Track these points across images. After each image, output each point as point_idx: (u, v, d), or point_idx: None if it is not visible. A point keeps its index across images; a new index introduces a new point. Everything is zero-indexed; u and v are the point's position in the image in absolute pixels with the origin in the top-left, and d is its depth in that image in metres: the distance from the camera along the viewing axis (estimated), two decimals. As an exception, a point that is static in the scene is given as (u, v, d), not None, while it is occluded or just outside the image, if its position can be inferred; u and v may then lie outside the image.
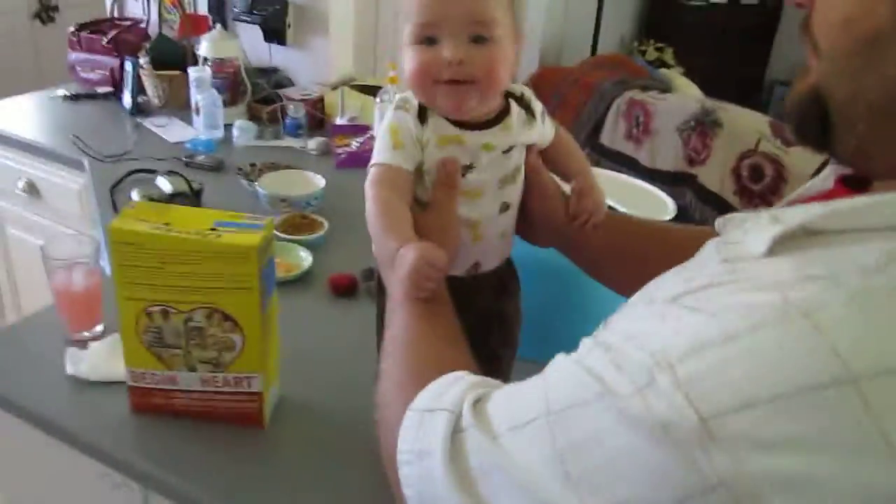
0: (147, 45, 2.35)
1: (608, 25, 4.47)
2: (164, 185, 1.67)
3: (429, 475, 0.58)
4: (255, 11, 2.23)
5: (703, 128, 3.06)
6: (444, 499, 0.56)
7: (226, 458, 1.05)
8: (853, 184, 0.59)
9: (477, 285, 0.90)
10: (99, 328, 1.28)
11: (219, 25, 2.20)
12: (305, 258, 1.52)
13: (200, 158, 1.97)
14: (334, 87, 2.28)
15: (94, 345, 1.23)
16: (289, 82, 2.36)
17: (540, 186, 0.92)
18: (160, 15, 2.53)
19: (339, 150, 2.05)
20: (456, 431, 0.58)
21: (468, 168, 0.86)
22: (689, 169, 3.13)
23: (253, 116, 2.24)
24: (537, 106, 0.91)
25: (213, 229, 1.00)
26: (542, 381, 0.56)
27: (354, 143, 2.06)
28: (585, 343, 0.56)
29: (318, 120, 2.23)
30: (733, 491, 0.42)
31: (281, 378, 1.15)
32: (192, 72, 2.10)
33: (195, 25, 2.34)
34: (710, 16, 4.97)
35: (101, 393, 1.15)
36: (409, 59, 0.83)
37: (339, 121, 2.14)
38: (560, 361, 0.57)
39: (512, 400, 0.58)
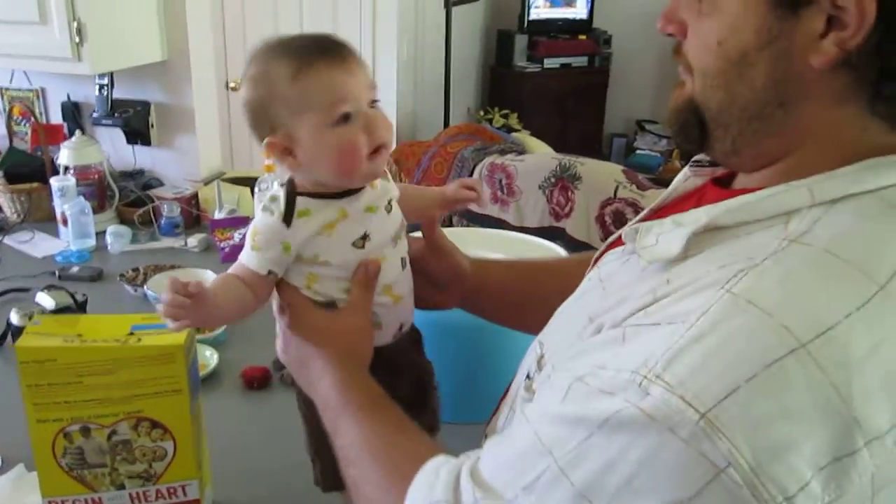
0: (-3, 159, 2.24)
1: (455, 98, 4.67)
2: (46, 301, 1.58)
3: None
4: (116, 115, 2.18)
5: (563, 182, 3.23)
6: None
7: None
8: (721, 183, 0.70)
9: (400, 346, 0.91)
10: (-3, 463, 1.18)
11: (77, 132, 2.12)
12: (211, 356, 1.47)
13: (75, 270, 1.87)
14: (207, 183, 2.25)
15: (-4, 481, 1.12)
16: (157, 182, 2.30)
17: (438, 245, 0.96)
18: (9, 128, 2.41)
19: (222, 244, 2.01)
20: None
21: (365, 238, 0.86)
22: (555, 223, 3.28)
23: (123, 221, 2.16)
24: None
25: (131, 334, 0.96)
26: (530, 435, 0.57)
27: (237, 235, 2.03)
28: (550, 387, 0.60)
29: (194, 217, 2.18)
30: (740, 469, 0.47)
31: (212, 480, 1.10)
32: (55, 181, 2.01)
33: (50, 135, 2.24)
34: (546, 80, 5.30)
35: (14, 531, 1.05)
36: (332, 142, 0.81)
37: (217, 215, 2.11)
38: (538, 411, 0.59)
39: (508, 462, 0.59)
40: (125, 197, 2.20)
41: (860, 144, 0.57)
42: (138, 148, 2.33)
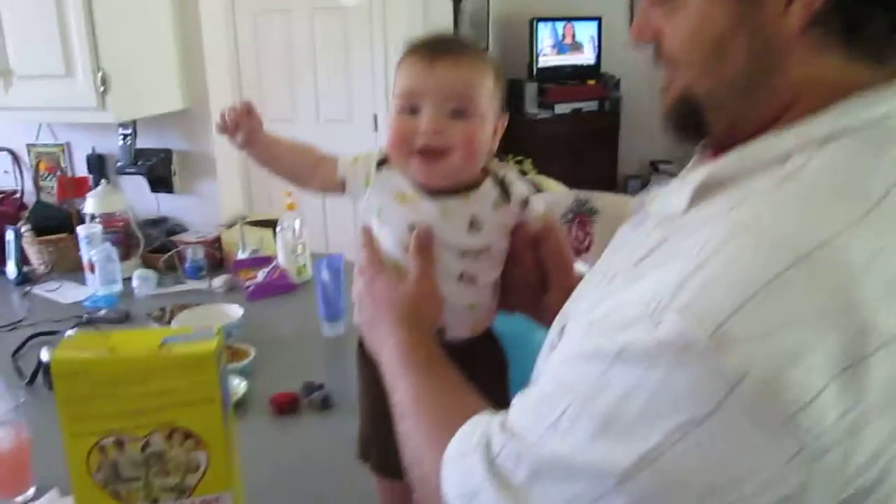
0: (25, 213, 2.28)
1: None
2: (75, 338, 1.59)
3: None
4: (139, 163, 2.23)
5: (581, 217, 3.24)
6: None
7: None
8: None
9: (472, 343, 0.94)
10: (31, 491, 1.18)
11: (103, 181, 2.17)
12: (239, 385, 1.48)
13: (103, 313, 1.89)
14: (230, 226, 2.28)
15: (30, 508, 1.13)
16: (181, 228, 2.34)
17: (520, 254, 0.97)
18: (36, 183, 2.47)
19: (247, 284, 2.03)
20: (491, 462, 0.61)
21: (412, 227, 0.89)
22: (576, 258, 3.29)
23: (148, 267, 2.19)
24: (518, 191, 0.94)
25: (162, 345, 0.97)
26: (552, 379, 0.60)
27: (261, 274, 2.05)
28: (569, 336, 0.62)
29: (217, 259, 2.21)
30: (753, 378, 0.48)
31: None
32: (82, 230, 2.05)
33: (76, 188, 2.30)
34: (558, 126, 5.37)
35: (49, 555, 1.05)
36: (391, 123, 0.90)
37: (240, 255, 2.13)
38: (559, 359, 0.62)
39: (533, 406, 0.61)
40: (150, 244, 2.23)
41: (846, 85, 0.60)
42: (161, 195, 2.37)
